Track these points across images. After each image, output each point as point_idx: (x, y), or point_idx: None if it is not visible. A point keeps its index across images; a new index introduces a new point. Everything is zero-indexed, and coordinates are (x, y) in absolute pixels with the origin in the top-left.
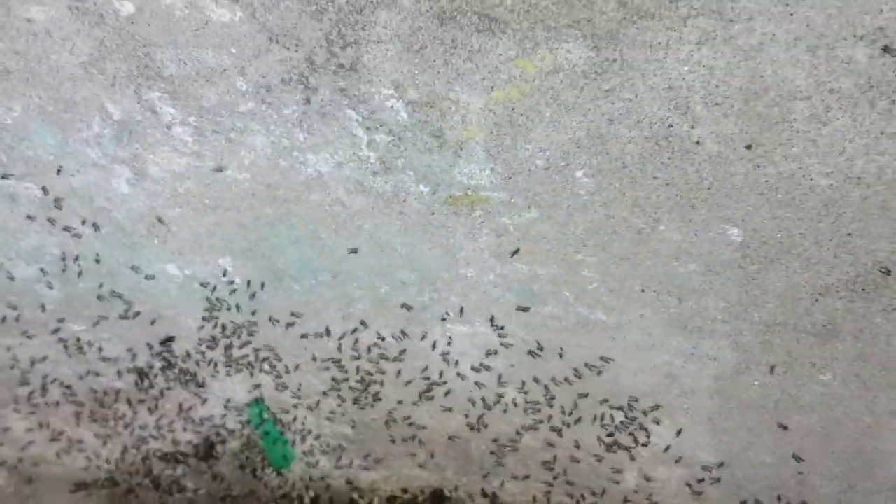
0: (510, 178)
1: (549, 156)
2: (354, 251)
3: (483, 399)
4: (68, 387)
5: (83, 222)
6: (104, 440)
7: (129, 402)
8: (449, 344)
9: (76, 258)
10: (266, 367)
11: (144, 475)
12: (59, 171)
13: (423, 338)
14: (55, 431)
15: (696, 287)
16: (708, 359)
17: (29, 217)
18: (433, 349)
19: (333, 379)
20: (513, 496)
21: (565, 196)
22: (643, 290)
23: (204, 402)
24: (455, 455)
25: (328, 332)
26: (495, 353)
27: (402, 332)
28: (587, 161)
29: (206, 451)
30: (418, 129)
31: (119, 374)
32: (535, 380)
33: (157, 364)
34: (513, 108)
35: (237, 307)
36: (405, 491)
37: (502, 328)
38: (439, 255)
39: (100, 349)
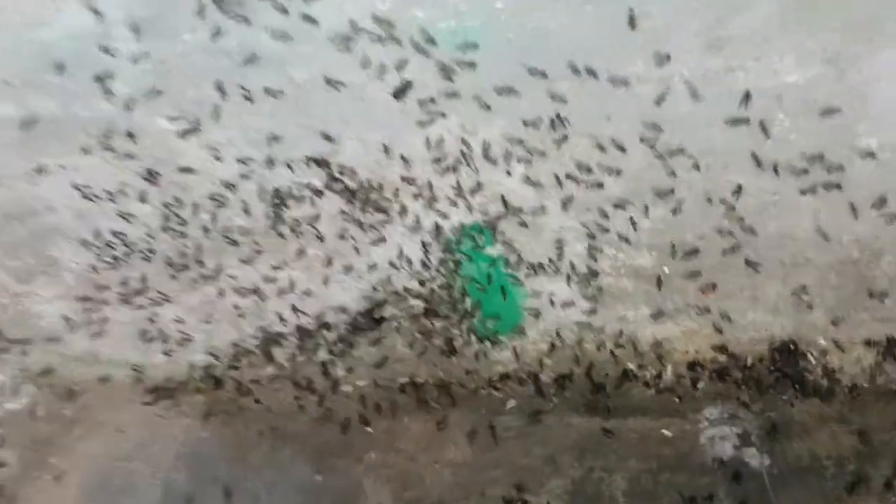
0: None
1: None
2: None
3: None
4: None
5: None
6: (198, 318)
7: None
8: None
9: None
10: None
11: (265, 366)
12: None
13: None
14: (107, 312)
15: None
16: None
17: None
18: None
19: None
20: None
21: None
22: None
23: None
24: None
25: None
26: None
27: None
28: None
29: (366, 321)
30: None
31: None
32: None
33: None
34: None
35: None
36: (723, 350)
37: None
38: None
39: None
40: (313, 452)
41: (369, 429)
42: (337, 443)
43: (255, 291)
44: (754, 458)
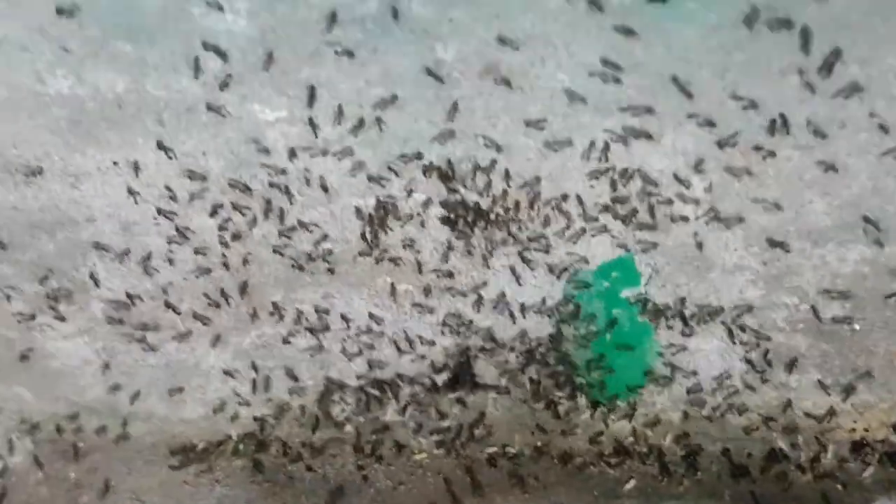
0: None
1: None
2: None
3: None
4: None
5: None
6: (246, 362)
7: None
8: None
9: None
10: None
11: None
12: None
13: None
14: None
15: None
16: None
17: None
18: None
19: None
20: None
21: None
22: None
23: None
24: None
25: None
26: None
27: None
28: None
29: (452, 375)
30: None
31: None
32: None
33: None
34: None
35: None
36: None
37: None
38: None
39: None
40: None
41: None
42: None
43: (325, 330)
44: None
